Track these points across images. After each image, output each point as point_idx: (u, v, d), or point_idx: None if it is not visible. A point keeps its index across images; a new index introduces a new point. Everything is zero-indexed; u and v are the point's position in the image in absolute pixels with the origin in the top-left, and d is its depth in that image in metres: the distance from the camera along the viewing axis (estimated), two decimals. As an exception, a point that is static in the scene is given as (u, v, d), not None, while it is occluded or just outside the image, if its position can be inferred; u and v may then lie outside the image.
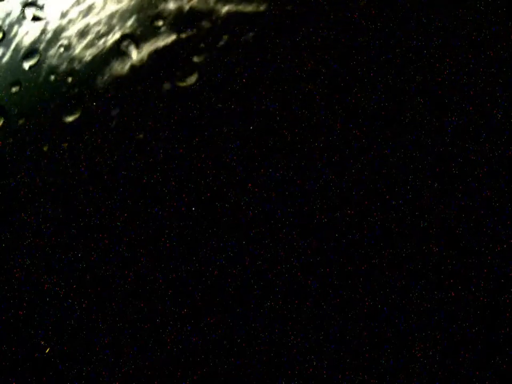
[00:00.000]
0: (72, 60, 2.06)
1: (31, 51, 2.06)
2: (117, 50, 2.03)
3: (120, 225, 1.86)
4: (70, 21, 2.09)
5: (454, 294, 1.67)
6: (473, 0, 1.81)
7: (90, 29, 2.07)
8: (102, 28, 2.06)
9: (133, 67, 2.02)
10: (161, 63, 2.00)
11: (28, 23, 2.09)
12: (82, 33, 2.07)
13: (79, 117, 1.98)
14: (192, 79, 1.97)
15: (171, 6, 2.04)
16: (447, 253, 1.70)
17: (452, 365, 1.63)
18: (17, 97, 2.03)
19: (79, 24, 2.08)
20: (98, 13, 2.08)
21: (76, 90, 2.02)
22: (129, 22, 2.05)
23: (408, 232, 1.73)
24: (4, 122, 2.00)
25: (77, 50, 2.06)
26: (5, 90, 2.03)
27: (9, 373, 1.77)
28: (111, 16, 2.07)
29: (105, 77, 2.02)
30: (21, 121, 2.00)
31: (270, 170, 1.84)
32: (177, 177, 1.88)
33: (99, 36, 2.06)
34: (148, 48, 2.03)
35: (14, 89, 2.03)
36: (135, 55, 2.02)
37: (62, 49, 2.06)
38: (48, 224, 1.88)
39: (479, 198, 1.71)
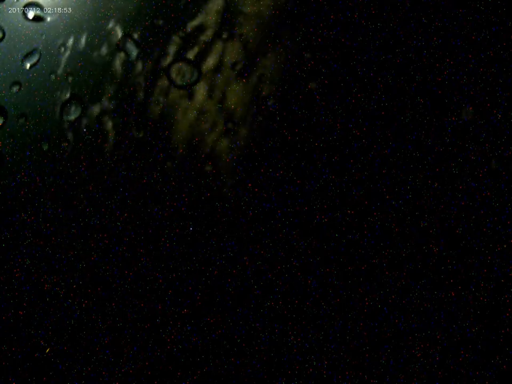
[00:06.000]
0: (72, 59, 2.06)
1: (31, 51, 2.06)
2: (117, 50, 2.03)
3: (120, 225, 1.86)
4: (70, 21, 2.09)
5: (454, 294, 1.67)
6: (473, 0, 1.81)
7: (90, 28, 2.07)
8: (102, 28, 2.06)
9: (133, 67, 2.02)
10: (161, 63, 2.00)
11: (28, 23, 2.08)
12: (82, 33, 2.07)
13: (79, 117, 1.98)
14: (192, 79, 1.97)
15: (171, 5, 2.04)
16: (447, 253, 1.70)
17: (452, 365, 1.63)
18: (17, 97, 2.03)
19: (79, 24, 2.08)
20: (99, 12, 2.08)
21: (76, 90, 2.02)
22: (130, 22, 2.05)
23: (408, 232, 1.73)
24: (3, 122, 2.00)
25: (77, 50, 2.06)
26: (5, 90, 2.03)
27: (9, 373, 1.77)
28: (111, 15, 2.07)
29: (105, 77, 2.02)
30: (21, 121, 2.00)
31: (270, 170, 1.84)
32: (177, 177, 1.88)
33: (99, 36, 2.06)
34: (147, 48, 2.03)
35: (14, 89, 2.03)
36: (135, 55, 2.02)
37: (62, 49, 2.06)
38: (48, 224, 1.88)
39: (479, 198, 1.71)
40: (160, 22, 2.03)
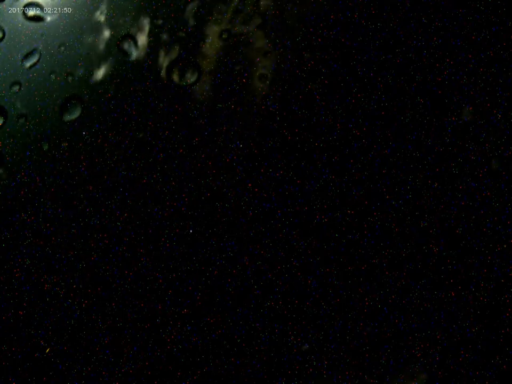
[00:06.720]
0: (72, 59, 2.06)
1: (31, 51, 2.06)
2: (117, 50, 2.03)
3: (120, 225, 1.86)
4: (70, 21, 2.09)
5: (454, 294, 1.67)
6: (473, 0, 1.81)
7: (90, 28, 2.07)
8: (102, 28, 2.06)
9: (133, 67, 2.01)
10: (161, 63, 2.00)
11: (27, 23, 2.09)
12: (82, 33, 2.07)
13: (79, 117, 1.98)
14: (192, 79, 1.97)
15: (171, 5, 2.04)
16: (447, 253, 1.70)
17: (452, 365, 1.63)
18: (17, 97, 2.03)
19: (79, 24, 2.08)
20: (99, 12, 2.08)
21: (76, 90, 2.02)
22: (130, 22, 2.05)
23: (408, 232, 1.73)
24: (3, 122, 2.00)
25: (77, 50, 2.06)
26: (5, 90, 2.04)
27: (9, 373, 1.77)
28: (112, 15, 2.07)
29: (105, 77, 2.02)
30: (21, 121, 2.00)
31: (270, 170, 1.84)
32: (177, 177, 1.88)
33: (99, 36, 2.06)
34: (148, 48, 2.03)
35: (14, 89, 2.03)
36: (135, 55, 2.02)
37: (62, 49, 2.06)
38: (48, 224, 1.89)
39: (479, 198, 1.71)
40: (160, 21, 2.03)
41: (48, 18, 2.10)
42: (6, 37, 2.09)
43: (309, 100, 1.87)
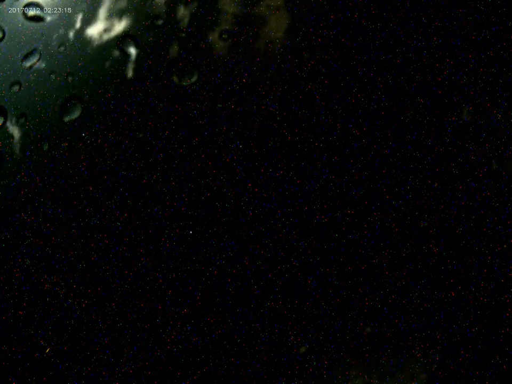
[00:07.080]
0: (72, 59, 2.06)
1: (31, 51, 2.06)
2: (117, 50, 2.03)
3: (120, 225, 1.86)
4: (70, 21, 2.09)
5: (454, 294, 1.67)
6: (473, 0, 1.81)
7: (90, 28, 2.07)
8: (102, 28, 2.06)
9: (133, 67, 2.02)
10: (161, 63, 2.00)
11: (28, 23, 2.09)
12: (82, 33, 2.07)
13: (79, 117, 1.98)
14: (192, 79, 1.97)
15: (171, 5, 2.04)
16: (447, 253, 1.70)
17: (452, 365, 1.63)
18: (17, 97, 2.03)
19: (79, 24, 2.08)
20: (99, 12, 2.08)
21: (76, 90, 2.02)
22: (130, 22, 2.05)
23: (408, 232, 1.73)
24: (3, 122, 2.00)
25: (77, 50, 2.06)
26: (5, 90, 2.04)
27: (9, 373, 1.77)
28: (112, 16, 2.07)
29: (105, 77, 2.02)
30: (21, 121, 2.00)
31: (270, 170, 1.84)
32: (177, 177, 1.88)
33: (99, 36, 2.06)
34: (148, 48, 2.03)
35: (14, 89, 2.03)
36: (135, 55, 2.02)
37: (62, 49, 2.06)
38: (48, 224, 1.89)
39: (479, 198, 1.71)
40: (160, 21, 2.03)
41: (48, 18, 2.10)
42: (6, 37, 2.09)
43: (309, 100, 1.87)
